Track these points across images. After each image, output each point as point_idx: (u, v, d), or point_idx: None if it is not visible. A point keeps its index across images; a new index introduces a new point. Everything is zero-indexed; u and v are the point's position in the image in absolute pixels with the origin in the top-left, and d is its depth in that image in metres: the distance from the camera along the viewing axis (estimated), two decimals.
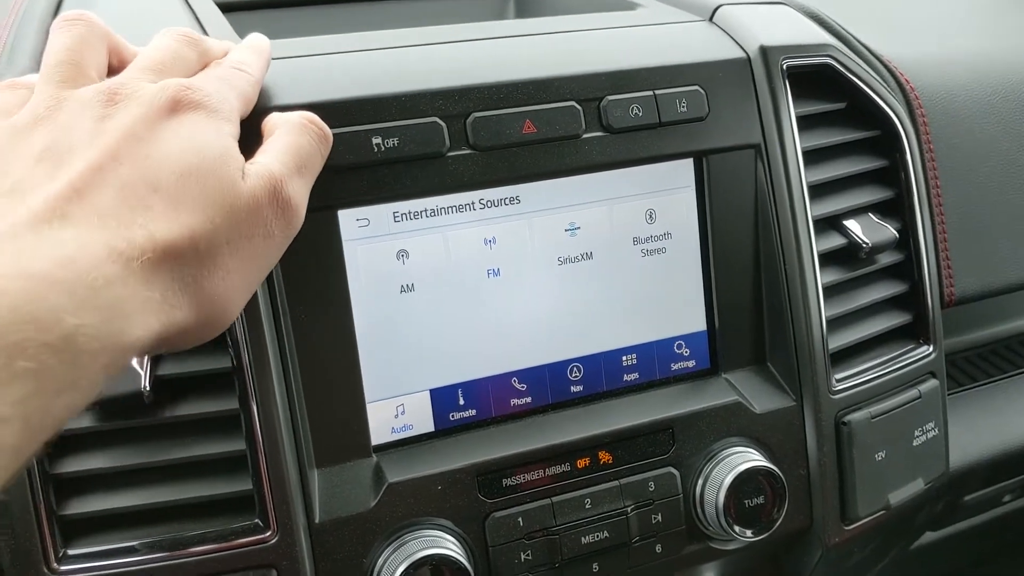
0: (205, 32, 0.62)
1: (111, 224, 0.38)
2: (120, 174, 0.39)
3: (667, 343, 0.63)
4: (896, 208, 0.70)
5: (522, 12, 0.94)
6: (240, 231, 0.42)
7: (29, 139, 0.41)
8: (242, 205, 0.42)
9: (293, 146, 0.47)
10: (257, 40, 0.55)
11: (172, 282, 0.39)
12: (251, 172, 0.43)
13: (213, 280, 0.41)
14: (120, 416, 0.51)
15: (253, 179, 0.43)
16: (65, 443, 0.51)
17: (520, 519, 0.57)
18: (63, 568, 0.50)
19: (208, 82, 0.46)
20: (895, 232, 0.67)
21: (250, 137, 0.47)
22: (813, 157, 0.66)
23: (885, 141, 0.69)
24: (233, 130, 0.45)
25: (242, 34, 0.58)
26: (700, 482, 0.61)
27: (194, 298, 0.40)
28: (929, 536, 0.89)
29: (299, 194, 0.46)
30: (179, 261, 0.39)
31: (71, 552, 0.51)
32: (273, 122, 0.49)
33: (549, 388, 0.61)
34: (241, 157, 0.44)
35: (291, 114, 0.49)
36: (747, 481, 0.60)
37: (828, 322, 0.64)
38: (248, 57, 0.51)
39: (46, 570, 0.50)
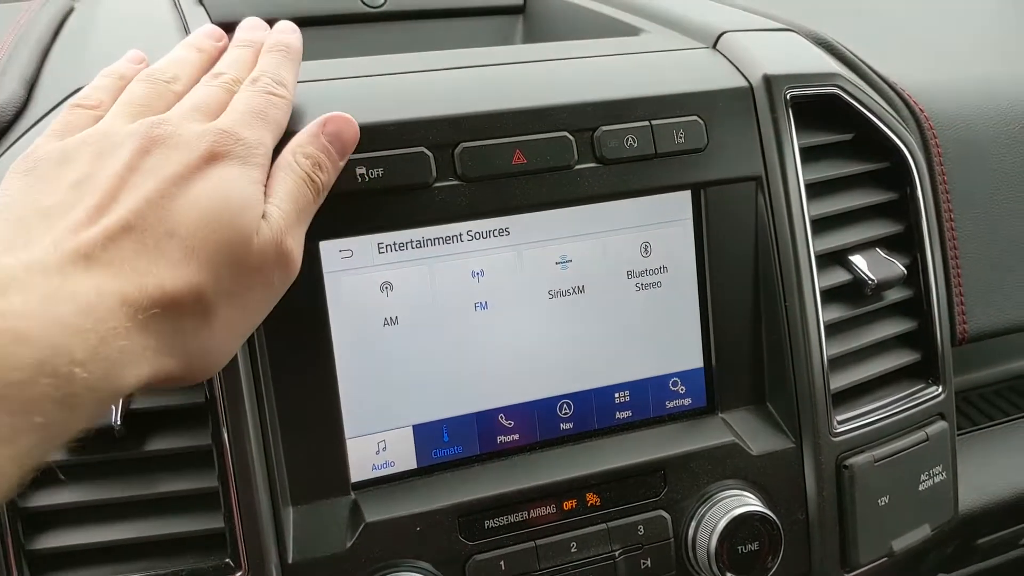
0: None
1: (127, 272, 0.38)
2: (145, 218, 0.40)
3: (662, 380, 0.61)
4: (906, 242, 0.67)
5: (529, 37, 0.92)
6: (242, 282, 0.43)
7: (72, 164, 0.43)
8: (251, 261, 0.43)
9: (291, 195, 0.46)
10: (287, 37, 0.54)
11: (170, 332, 0.39)
12: (262, 226, 0.44)
13: (211, 331, 0.42)
14: (90, 450, 0.50)
15: (263, 234, 0.43)
16: (35, 477, 0.50)
17: (502, 562, 0.55)
18: None
19: (246, 125, 0.46)
20: (903, 268, 0.65)
21: None
22: (817, 190, 0.64)
23: (894, 173, 0.67)
24: (260, 175, 0.45)
25: None
26: (692, 526, 0.59)
27: (187, 348, 0.41)
28: None
29: (297, 243, 0.46)
30: (180, 312, 0.40)
31: None
32: (277, 162, 0.48)
33: (537, 425, 0.59)
34: (261, 206, 0.44)
35: (290, 157, 0.48)
36: (741, 526, 0.58)
37: (830, 361, 0.62)
38: (281, 69, 0.51)
39: None
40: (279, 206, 0.45)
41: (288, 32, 0.55)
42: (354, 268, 0.54)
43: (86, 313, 0.35)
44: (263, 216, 0.44)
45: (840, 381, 0.63)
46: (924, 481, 0.65)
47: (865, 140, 0.66)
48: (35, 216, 0.40)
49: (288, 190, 0.46)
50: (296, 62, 0.54)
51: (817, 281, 0.61)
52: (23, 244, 0.38)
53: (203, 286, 0.40)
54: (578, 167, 0.57)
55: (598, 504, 0.57)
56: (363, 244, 0.54)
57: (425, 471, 0.57)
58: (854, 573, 0.63)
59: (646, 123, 0.58)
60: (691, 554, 0.59)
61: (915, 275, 0.67)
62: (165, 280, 0.39)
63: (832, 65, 0.67)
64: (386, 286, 0.55)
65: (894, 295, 0.66)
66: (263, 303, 0.45)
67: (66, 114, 0.48)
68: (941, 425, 0.66)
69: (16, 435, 0.33)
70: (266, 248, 0.43)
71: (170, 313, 0.39)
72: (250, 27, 0.57)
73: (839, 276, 0.64)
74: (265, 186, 0.45)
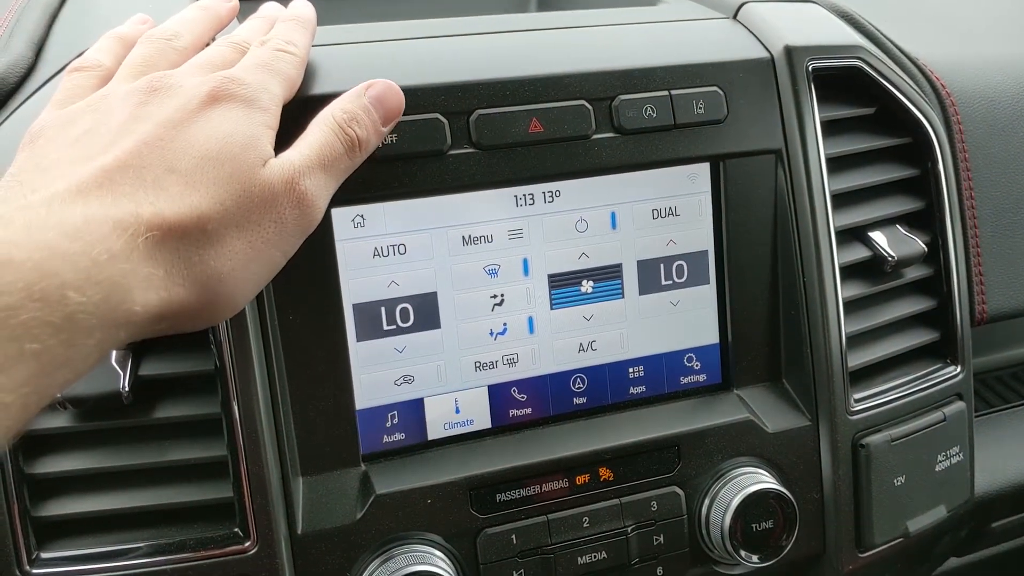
0: None
1: (123, 202, 0.38)
2: (143, 157, 0.40)
3: (677, 356, 0.61)
4: (926, 220, 0.66)
5: (544, 5, 0.91)
6: (250, 217, 0.42)
7: (73, 126, 0.43)
8: (256, 192, 0.42)
9: (318, 143, 0.46)
10: (301, 10, 0.55)
11: (177, 259, 0.39)
12: (272, 163, 0.43)
13: (219, 260, 0.41)
14: (98, 417, 0.49)
15: (272, 169, 0.43)
16: (41, 443, 0.49)
17: (514, 536, 0.54)
18: (35, 571, 0.49)
19: (250, 72, 0.46)
20: (923, 245, 0.64)
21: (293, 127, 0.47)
22: (838, 164, 0.62)
23: (916, 149, 0.66)
24: (268, 119, 0.45)
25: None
26: (706, 503, 0.58)
27: (198, 277, 0.40)
28: (953, 562, 0.86)
29: (317, 188, 0.45)
30: (185, 239, 0.40)
31: (44, 555, 0.49)
32: (314, 119, 0.48)
33: (550, 399, 0.58)
34: (269, 148, 0.44)
35: (327, 112, 0.48)
36: (756, 504, 0.57)
37: (848, 338, 0.61)
38: (293, 34, 0.51)
39: (18, 573, 0.48)
40: (299, 150, 0.45)
41: (302, 6, 0.56)
42: (366, 236, 0.53)
43: (72, 237, 0.35)
44: (278, 157, 0.44)
45: (858, 359, 0.62)
46: (941, 462, 0.64)
47: (887, 115, 0.65)
48: (34, 173, 0.40)
49: (314, 139, 0.46)
50: (309, 29, 0.53)
51: (836, 257, 0.60)
52: (18, 196, 0.38)
53: (206, 212, 0.40)
54: (595, 136, 0.55)
55: (611, 479, 0.56)
56: (376, 212, 0.53)
57: (437, 443, 0.56)
58: (868, 554, 0.63)
59: (665, 93, 0.57)
60: (705, 531, 0.58)
61: (935, 253, 0.66)
62: (164, 208, 0.39)
63: (855, 37, 0.66)
64: (398, 255, 0.54)
65: (913, 273, 0.65)
66: (277, 241, 0.44)
67: (66, 80, 0.48)
68: (959, 405, 0.65)
69: (9, 363, 0.33)
70: (273, 182, 0.43)
71: (173, 239, 0.39)
72: (267, 7, 0.57)
73: (858, 252, 0.62)
74: (296, 139, 0.46)
